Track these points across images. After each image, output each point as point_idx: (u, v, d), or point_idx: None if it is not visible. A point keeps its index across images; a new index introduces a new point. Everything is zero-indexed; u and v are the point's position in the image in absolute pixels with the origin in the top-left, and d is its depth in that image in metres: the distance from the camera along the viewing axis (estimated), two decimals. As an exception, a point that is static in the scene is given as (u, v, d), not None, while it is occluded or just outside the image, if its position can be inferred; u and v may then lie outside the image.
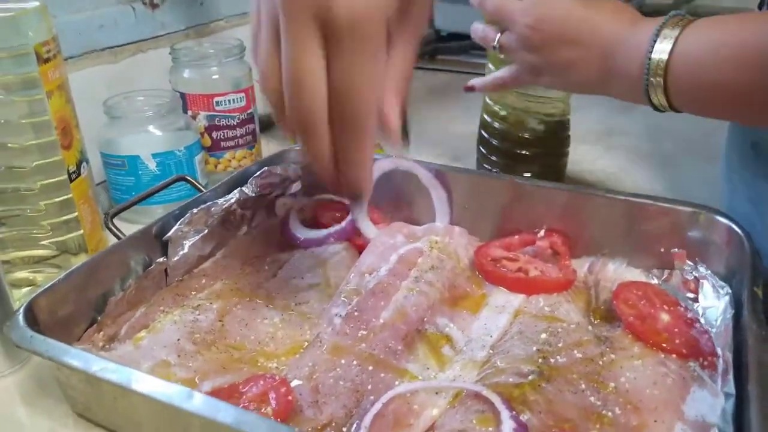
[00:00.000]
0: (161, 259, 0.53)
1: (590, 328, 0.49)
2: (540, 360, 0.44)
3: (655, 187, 0.75)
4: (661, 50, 0.49)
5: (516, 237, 0.60)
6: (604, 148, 0.87)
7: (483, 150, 0.74)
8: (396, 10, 0.36)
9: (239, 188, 0.59)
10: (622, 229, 0.55)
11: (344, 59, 0.34)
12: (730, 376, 0.40)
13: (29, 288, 0.58)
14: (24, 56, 0.53)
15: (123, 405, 0.40)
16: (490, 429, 0.38)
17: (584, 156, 0.82)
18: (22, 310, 0.43)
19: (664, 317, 0.47)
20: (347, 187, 0.39)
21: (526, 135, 0.70)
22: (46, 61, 0.54)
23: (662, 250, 0.54)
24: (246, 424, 0.33)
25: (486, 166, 0.74)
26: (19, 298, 0.56)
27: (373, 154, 0.37)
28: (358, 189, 0.39)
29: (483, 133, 0.74)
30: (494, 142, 0.72)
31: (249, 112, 0.77)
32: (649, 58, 0.49)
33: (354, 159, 0.37)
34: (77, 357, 0.39)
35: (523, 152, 0.71)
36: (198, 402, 0.35)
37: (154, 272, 0.53)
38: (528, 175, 0.70)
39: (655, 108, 0.52)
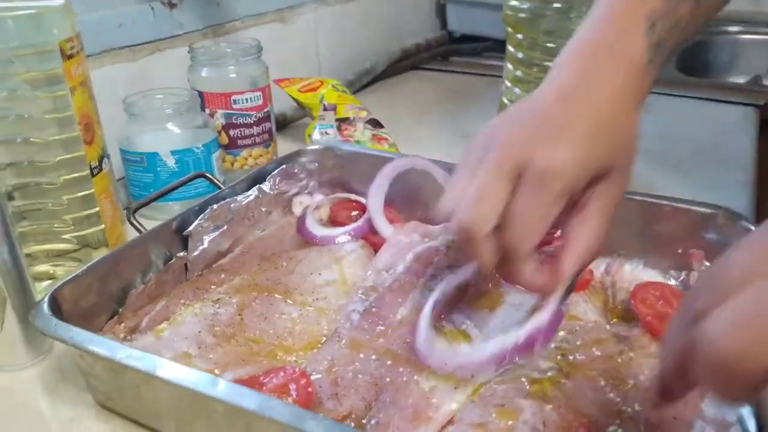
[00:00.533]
0: (181, 254, 0.54)
1: (608, 327, 0.49)
2: (559, 357, 0.44)
3: (671, 190, 0.75)
4: None
5: None
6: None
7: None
8: (593, 178, 0.40)
9: (258, 186, 0.60)
10: (639, 229, 0.55)
11: (524, 194, 0.39)
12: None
13: (50, 281, 0.58)
14: (48, 53, 0.54)
15: (146, 394, 0.40)
16: (510, 422, 0.38)
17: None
18: (46, 299, 0.43)
19: (682, 316, 0.48)
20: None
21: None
22: (70, 57, 0.54)
23: (679, 251, 0.54)
24: (270, 410, 0.34)
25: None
26: (40, 291, 0.56)
27: (531, 278, 0.41)
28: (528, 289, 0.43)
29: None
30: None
31: (265, 110, 0.77)
32: None
33: (509, 275, 0.42)
34: (102, 344, 0.40)
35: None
36: (222, 388, 0.35)
37: (174, 266, 0.54)
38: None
39: None
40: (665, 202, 0.55)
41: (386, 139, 0.83)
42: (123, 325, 0.49)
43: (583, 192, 0.40)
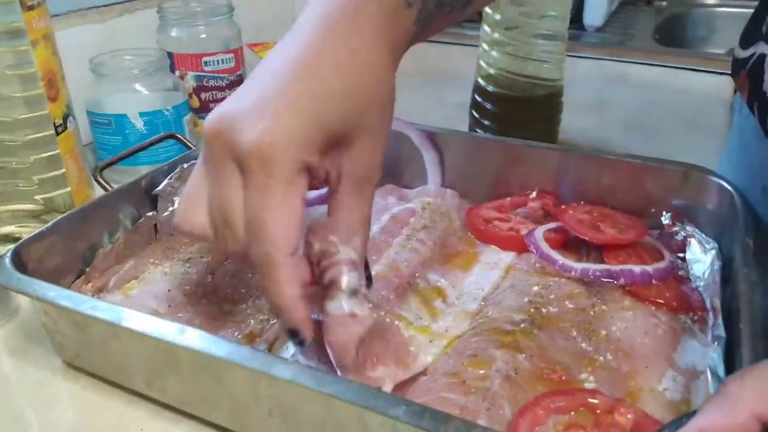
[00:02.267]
0: (150, 213, 0.53)
1: (583, 283, 0.49)
2: (532, 310, 0.44)
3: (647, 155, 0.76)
4: None
5: (508, 199, 0.59)
6: (596, 119, 0.87)
7: (476, 114, 0.74)
8: (330, 146, 0.33)
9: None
10: (613, 189, 0.55)
11: (251, 190, 0.32)
12: (720, 321, 0.40)
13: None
14: (8, 5, 0.52)
15: (113, 348, 0.40)
16: (482, 371, 0.38)
17: (577, 125, 0.82)
18: (9, 254, 0.42)
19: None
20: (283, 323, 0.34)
21: (520, 99, 0.70)
22: (30, 8, 0.53)
23: (653, 210, 0.54)
24: (239, 356, 0.33)
25: (478, 130, 0.74)
26: (12, 246, 0.55)
27: (295, 293, 0.33)
28: (289, 324, 0.34)
29: (476, 96, 0.73)
30: (487, 105, 0.72)
31: (238, 73, 0.76)
32: None
33: (268, 290, 0.33)
34: (66, 297, 0.39)
35: (516, 117, 0.71)
36: (190, 336, 0.35)
37: (143, 226, 0.53)
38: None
39: None
40: (639, 162, 0.55)
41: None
42: (90, 284, 0.48)
43: (329, 163, 0.34)
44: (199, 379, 0.37)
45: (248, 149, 0.31)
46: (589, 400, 0.35)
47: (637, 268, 0.47)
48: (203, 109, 0.76)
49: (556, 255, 0.50)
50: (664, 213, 0.53)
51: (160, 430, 0.40)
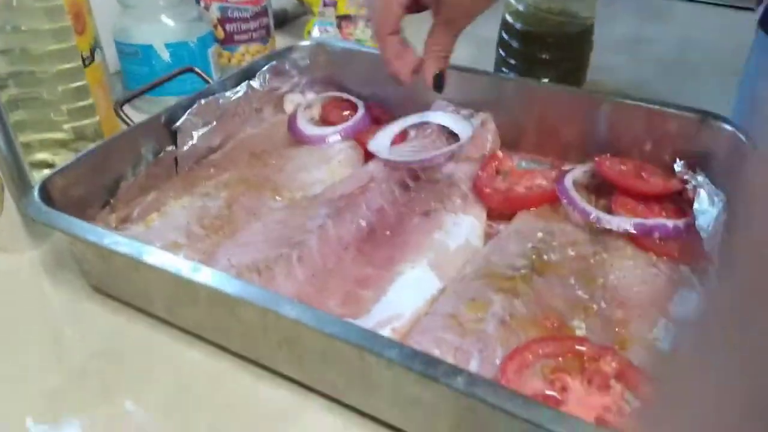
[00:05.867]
0: (170, 148, 0.55)
1: (588, 231, 0.50)
2: (533, 256, 0.46)
3: (681, 97, 0.73)
4: None
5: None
6: (628, 58, 0.85)
7: (502, 52, 0.73)
8: None
9: (247, 81, 0.59)
10: (629, 134, 0.55)
11: None
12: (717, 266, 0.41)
13: (49, 170, 0.60)
14: (34, -64, 0.52)
15: (135, 278, 0.43)
16: (479, 314, 0.40)
17: (608, 65, 0.80)
18: (37, 187, 0.45)
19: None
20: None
21: (548, 37, 0.69)
22: (56, -59, 0.53)
23: (666, 157, 0.54)
24: (249, 294, 0.36)
25: (504, 69, 0.73)
26: (40, 179, 0.58)
27: (392, 54, 0.51)
28: (389, 71, 0.52)
29: (503, 34, 0.72)
30: (514, 44, 0.71)
31: (263, 5, 0.76)
32: None
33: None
34: (90, 231, 0.41)
35: (543, 56, 0.70)
36: (205, 274, 0.37)
37: (164, 160, 0.55)
38: (546, 80, 0.69)
39: None
40: (655, 107, 0.54)
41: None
42: (115, 215, 0.51)
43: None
44: (214, 311, 0.40)
45: None
46: (577, 347, 0.37)
47: (669, 223, 0.48)
48: (228, 41, 0.76)
49: (589, 207, 0.50)
50: (677, 161, 0.53)
51: (181, 352, 0.43)
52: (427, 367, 0.30)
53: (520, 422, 0.28)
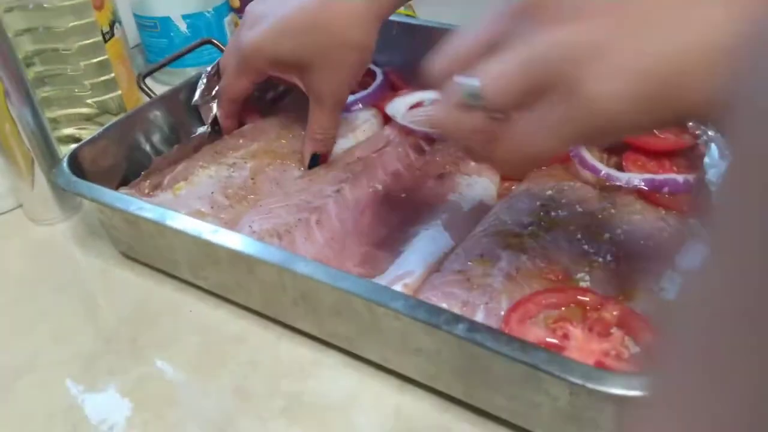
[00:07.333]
0: (202, 129, 0.57)
1: (598, 188, 0.51)
2: (542, 213, 0.47)
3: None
4: None
5: None
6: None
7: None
8: (295, 67, 0.50)
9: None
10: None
11: None
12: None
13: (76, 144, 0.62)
14: None
15: (160, 243, 0.45)
16: (486, 269, 0.42)
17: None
18: (66, 159, 0.47)
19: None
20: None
21: None
22: None
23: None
24: (266, 254, 0.38)
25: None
26: (68, 151, 0.60)
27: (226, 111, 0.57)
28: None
29: None
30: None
31: (276, -27, 0.76)
32: None
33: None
34: (117, 198, 0.44)
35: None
36: (223, 236, 0.39)
37: (195, 138, 0.57)
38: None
39: None
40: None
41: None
42: (148, 182, 0.53)
43: (298, 76, 0.51)
44: (234, 271, 0.42)
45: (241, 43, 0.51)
46: (579, 297, 0.39)
47: (680, 177, 0.48)
48: (243, 9, 0.77)
49: (599, 164, 0.50)
50: None
51: (206, 312, 0.46)
52: (430, 315, 0.32)
53: (517, 365, 0.30)
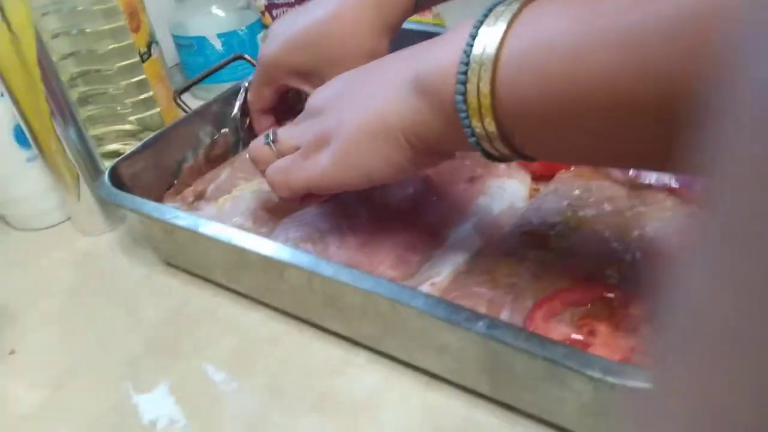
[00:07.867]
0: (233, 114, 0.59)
1: (627, 186, 0.51)
2: (569, 213, 0.47)
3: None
4: (489, 39, 0.29)
5: None
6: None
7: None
8: (299, 75, 0.52)
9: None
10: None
11: None
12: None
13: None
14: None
15: (196, 249, 0.47)
16: (513, 269, 0.42)
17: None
18: (107, 172, 0.50)
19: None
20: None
21: None
22: (110, -53, 0.58)
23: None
24: (291, 257, 0.39)
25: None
26: (109, 165, 0.63)
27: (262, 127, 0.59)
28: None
29: None
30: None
31: (307, -12, 0.79)
32: (468, 54, 0.30)
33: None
34: (153, 208, 0.46)
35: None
36: (254, 241, 0.41)
37: (219, 142, 0.59)
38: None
39: (488, 156, 0.34)
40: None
41: (430, 10, 0.83)
42: (192, 188, 0.55)
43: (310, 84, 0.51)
44: (266, 276, 0.44)
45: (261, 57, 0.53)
46: (606, 294, 0.38)
47: None
48: (276, 25, 0.80)
49: None
50: None
51: (241, 313, 0.47)
52: (450, 313, 0.33)
53: (538, 361, 0.30)
